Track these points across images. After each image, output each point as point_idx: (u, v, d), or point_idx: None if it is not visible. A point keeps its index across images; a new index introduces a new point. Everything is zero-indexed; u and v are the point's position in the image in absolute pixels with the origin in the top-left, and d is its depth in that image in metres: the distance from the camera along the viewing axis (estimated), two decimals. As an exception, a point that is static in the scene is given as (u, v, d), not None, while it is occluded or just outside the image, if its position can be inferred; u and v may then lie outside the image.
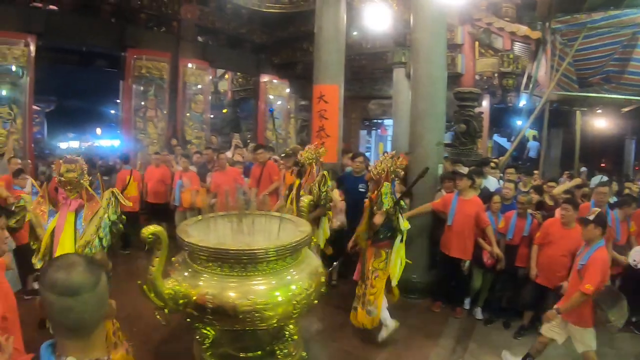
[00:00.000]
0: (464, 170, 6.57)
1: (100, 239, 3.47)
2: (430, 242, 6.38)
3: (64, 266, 1.29)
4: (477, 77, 10.49)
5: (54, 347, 1.33)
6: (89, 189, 3.64)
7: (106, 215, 3.51)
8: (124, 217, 3.64)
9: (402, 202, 5.08)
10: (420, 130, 6.38)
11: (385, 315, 4.94)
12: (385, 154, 5.05)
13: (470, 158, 8.14)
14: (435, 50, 6.34)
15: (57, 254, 3.37)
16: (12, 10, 8.62)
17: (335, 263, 5.18)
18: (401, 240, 4.96)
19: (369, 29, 9.87)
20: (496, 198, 5.84)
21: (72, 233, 3.46)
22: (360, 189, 6.62)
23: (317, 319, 5.46)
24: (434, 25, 6.34)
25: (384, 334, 4.95)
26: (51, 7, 9.77)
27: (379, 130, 21.52)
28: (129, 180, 6.85)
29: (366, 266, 4.99)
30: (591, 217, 4.29)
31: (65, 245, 3.43)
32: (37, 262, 3.55)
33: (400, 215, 4.87)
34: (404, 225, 4.91)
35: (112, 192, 3.63)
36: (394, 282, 4.98)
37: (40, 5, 9.46)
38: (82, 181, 3.54)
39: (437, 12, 6.34)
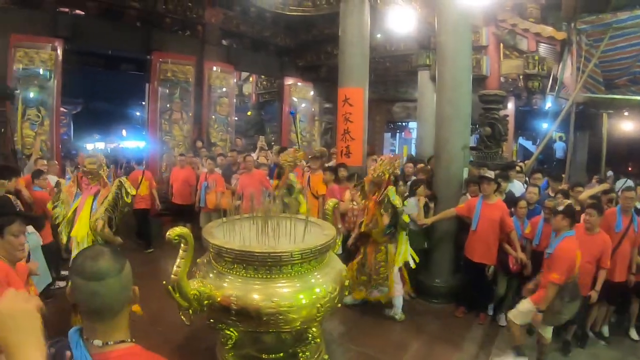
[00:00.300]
0: (491, 174, 6.49)
1: (110, 218, 4.42)
2: (455, 246, 6.31)
3: (92, 254, 1.43)
4: (502, 79, 10.37)
5: (81, 332, 1.43)
6: (105, 178, 4.71)
7: (115, 199, 4.45)
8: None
9: (405, 202, 5.74)
10: (446, 133, 6.31)
11: (398, 303, 5.62)
12: (383, 157, 5.51)
13: (495, 161, 8.06)
14: (461, 52, 6.27)
15: (75, 225, 4.47)
16: (39, 15, 8.80)
17: None
18: (406, 234, 5.51)
19: (393, 32, 9.82)
20: (522, 203, 5.74)
21: (88, 211, 4.45)
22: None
23: (339, 322, 5.46)
24: (458, 27, 6.28)
25: (393, 315, 5.64)
26: (78, 11, 9.94)
27: (403, 133, 21.43)
28: (141, 180, 7.21)
29: (369, 261, 5.49)
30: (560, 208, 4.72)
31: (82, 219, 4.43)
32: (64, 230, 4.73)
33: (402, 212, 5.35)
34: (406, 219, 5.41)
35: (120, 180, 4.55)
36: (412, 265, 5.59)
37: (67, 10, 9.62)
38: (100, 172, 4.62)
39: (462, 14, 6.28)
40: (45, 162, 7.02)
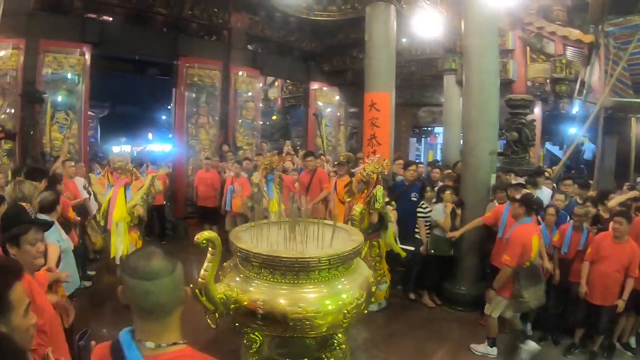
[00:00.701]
0: (520, 181, 6.38)
1: (143, 201, 6.01)
2: (480, 254, 6.23)
3: (145, 254, 1.46)
4: (528, 83, 10.23)
5: (133, 333, 1.46)
6: (136, 172, 6.49)
7: (149, 189, 6.10)
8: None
9: (393, 203, 6.08)
10: (473, 138, 6.25)
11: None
12: (372, 157, 5.80)
13: (522, 167, 7.94)
14: (487, 55, 6.22)
15: (114, 210, 5.85)
16: (68, 20, 8.98)
17: None
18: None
19: (418, 36, 9.76)
20: (551, 210, 5.57)
21: (123, 199, 5.89)
22: (413, 198, 6.58)
23: (363, 328, 5.44)
24: (485, 30, 6.24)
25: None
26: (105, 17, 10.12)
27: (428, 138, 21.24)
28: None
29: (365, 258, 5.48)
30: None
31: (118, 205, 5.86)
32: (100, 219, 6.24)
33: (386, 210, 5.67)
34: (391, 218, 5.79)
35: (152, 176, 6.53)
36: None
37: (94, 16, 9.80)
38: (127, 167, 6.17)
39: (488, 17, 6.24)
40: (72, 164, 7.14)
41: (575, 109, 11.75)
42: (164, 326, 1.46)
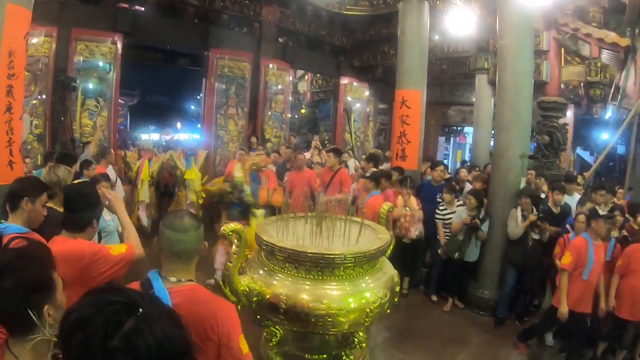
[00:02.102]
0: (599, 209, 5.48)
1: (159, 170, 8.13)
2: (504, 259, 6.06)
3: (179, 215, 2.06)
4: (562, 86, 10.00)
5: (159, 272, 1.97)
6: (157, 152, 8.53)
7: (164, 161, 8.18)
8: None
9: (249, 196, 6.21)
10: (505, 140, 6.12)
11: None
12: (254, 152, 7.48)
13: (552, 172, 7.77)
14: (522, 56, 6.12)
15: (141, 173, 7.95)
16: (100, 10, 9.22)
17: None
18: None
19: (450, 33, 9.63)
20: (581, 217, 5.33)
21: (147, 166, 7.99)
22: (439, 199, 6.50)
23: (383, 327, 5.41)
24: (520, 31, 6.14)
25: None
26: (137, 7, 10.25)
27: (457, 138, 21.02)
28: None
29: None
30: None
31: (144, 171, 7.93)
32: (132, 175, 8.29)
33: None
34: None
35: (171, 152, 8.34)
36: None
37: (126, 5, 9.93)
38: (151, 149, 8.59)
39: (524, 17, 6.14)
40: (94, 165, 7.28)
41: (608, 114, 11.48)
42: (185, 268, 2.01)
